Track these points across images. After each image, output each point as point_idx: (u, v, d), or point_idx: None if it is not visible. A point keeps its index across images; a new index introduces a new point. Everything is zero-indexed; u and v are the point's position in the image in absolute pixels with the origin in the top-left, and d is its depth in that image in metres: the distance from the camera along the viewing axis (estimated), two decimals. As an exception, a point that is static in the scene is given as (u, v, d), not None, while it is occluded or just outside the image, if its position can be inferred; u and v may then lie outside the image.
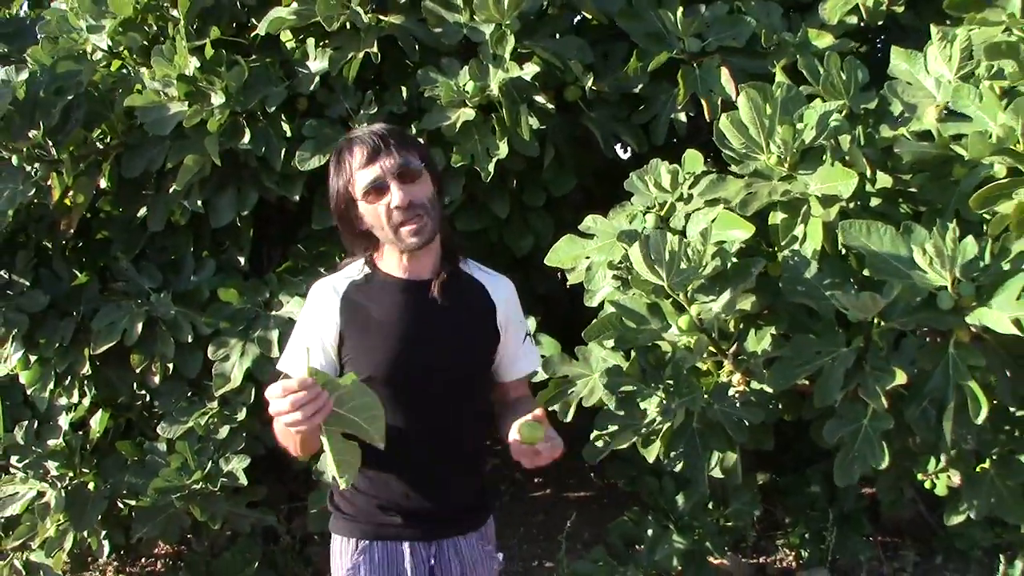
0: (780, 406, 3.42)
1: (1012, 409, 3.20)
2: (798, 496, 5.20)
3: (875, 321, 2.97)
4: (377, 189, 2.51)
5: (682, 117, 4.17)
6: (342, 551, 2.67)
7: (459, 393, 2.69)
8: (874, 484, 4.33)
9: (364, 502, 2.65)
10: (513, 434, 2.46)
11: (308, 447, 2.39)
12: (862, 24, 4.10)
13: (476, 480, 2.82)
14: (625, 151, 4.78)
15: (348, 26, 4.12)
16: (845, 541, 4.90)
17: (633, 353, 3.38)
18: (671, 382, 3.18)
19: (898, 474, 3.62)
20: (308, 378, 2.10)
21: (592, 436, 3.28)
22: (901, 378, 2.89)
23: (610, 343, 3.27)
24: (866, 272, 2.91)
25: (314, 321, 2.60)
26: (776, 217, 3.24)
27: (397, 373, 2.55)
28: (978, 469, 3.33)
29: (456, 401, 2.68)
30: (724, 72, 3.89)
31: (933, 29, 3.26)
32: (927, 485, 3.53)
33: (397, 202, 2.48)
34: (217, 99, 4.05)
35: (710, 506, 4.84)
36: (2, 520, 4.70)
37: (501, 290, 2.82)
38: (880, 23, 4.09)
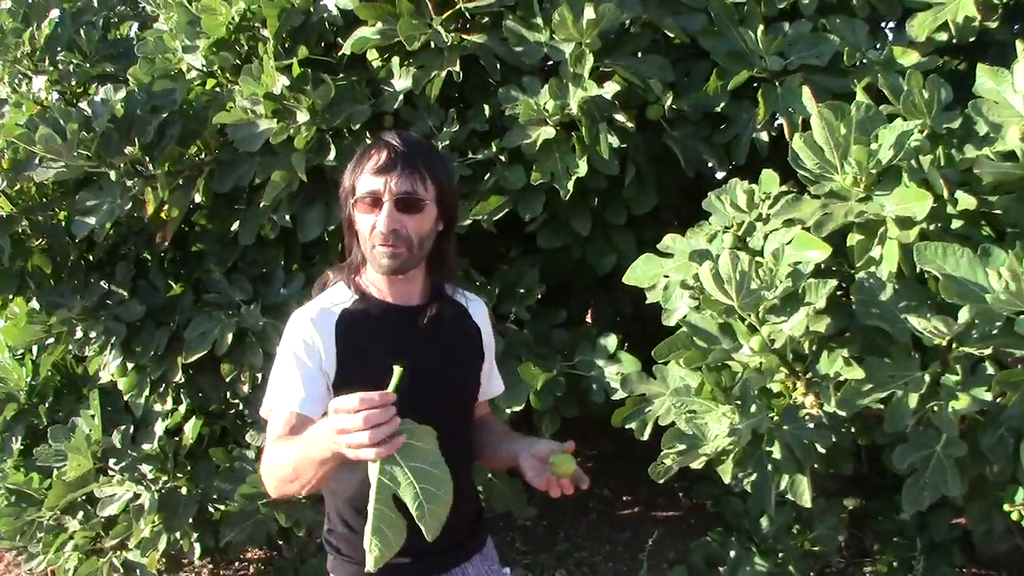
0: (853, 430, 3.37)
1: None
2: (887, 523, 5.10)
3: (951, 345, 2.91)
4: (372, 202, 2.42)
5: (764, 136, 4.14)
6: None
7: (457, 421, 2.65)
8: (963, 514, 4.23)
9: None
10: (534, 460, 2.48)
11: (316, 487, 2.24)
12: (953, 41, 4.03)
13: (475, 504, 2.80)
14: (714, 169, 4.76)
15: (431, 45, 4.16)
16: (934, 571, 4.76)
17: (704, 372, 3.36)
18: (740, 402, 3.16)
19: (988, 505, 3.54)
20: (393, 395, 1.96)
21: (660, 455, 3.27)
22: (976, 405, 2.83)
23: (683, 362, 3.26)
24: (943, 295, 2.85)
25: (310, 350, 2.44)
26: (853, 238, 3.21)
27: (400, 405, 2.27)
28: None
29: (455, 429, 2.58)
30: (806, 91, 3.85)
31: (1020, 46, 3.19)
32: (1014, 517, 3.45)
33: (382, 227, 2.40)
34: (303, 116, 4.13)
35: (795, 530, 4.78)
36: (102, 519, 4.83)
37: (480, 312, 2.79)
38: (972, 40, 4.00)
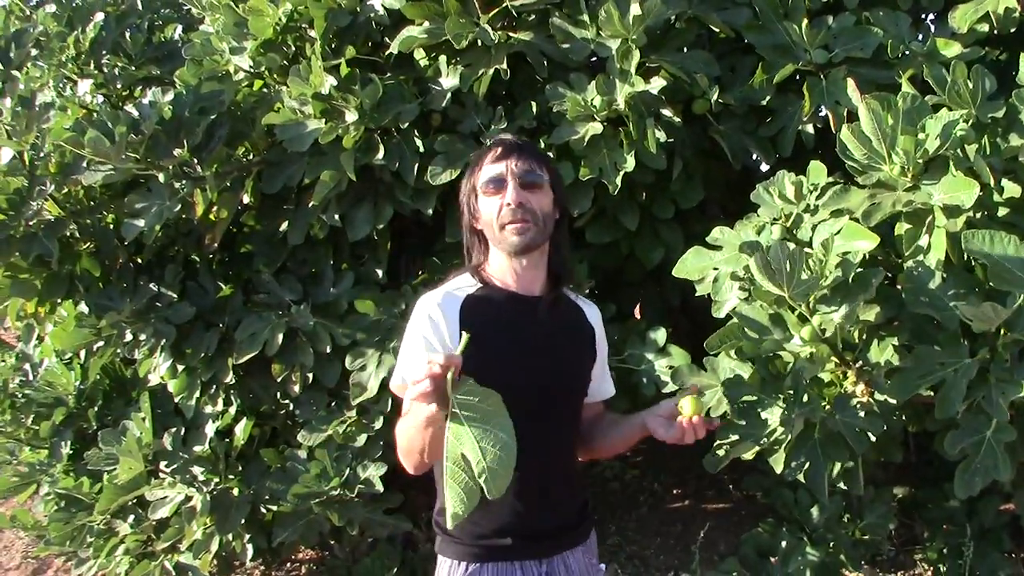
0: (904, 417, 3.39)
1: None
2: (936, 510, 5.11)
3: (1000, 332, 2.92)
4: (496, 184, 2.59)
5: (809, 129, 4.16)
6: (451, 574, 2.64)
7: (567, 409, 2.74)
8: (1012, 499, 4.24)
9: (474, 523, 2.54)
10: (658, 417, 2.63)
11: (433, 451, 2.30)
12: (995, 32, 4.04)
13: (581, 494, 2.84)
14: (761, 162, 4.77)
15: (478, 43, 4.21)
16: (984, 557, 4.78)
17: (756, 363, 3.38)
18: (792, 392, 3.17)
19: (1036, 490, 3.56)
20: (458, 356, 2.09)
21: (714, 445, 3.29)
22: (1025, 390, 2.85)
23: (735, 353, 3.28)
24: (991, 282, 2.87)
25: (435, 329, 2.54)
26: (901, 228, 3.22)
27: (515, 387, 2.38)
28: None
29: (565, 417, 2.73)
30: (850, 83, 3.87)
31: (1061, 36, 3.21)
32: (1061, 501, 3.47)
33: (510, 199, 2.55)
34: (351, 116, 4.17)
35: (845, 519, 4.79)
36: (153, 522, 4.86)
37: (595, 315, 2.88)
38: (1014, 30, 4.02)
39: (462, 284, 2.68)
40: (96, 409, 5.23)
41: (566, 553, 2.71)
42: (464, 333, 2.15)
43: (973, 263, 3.05)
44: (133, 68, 5.16)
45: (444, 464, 2.06)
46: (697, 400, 2.56)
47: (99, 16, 5.02)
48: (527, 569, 2.63)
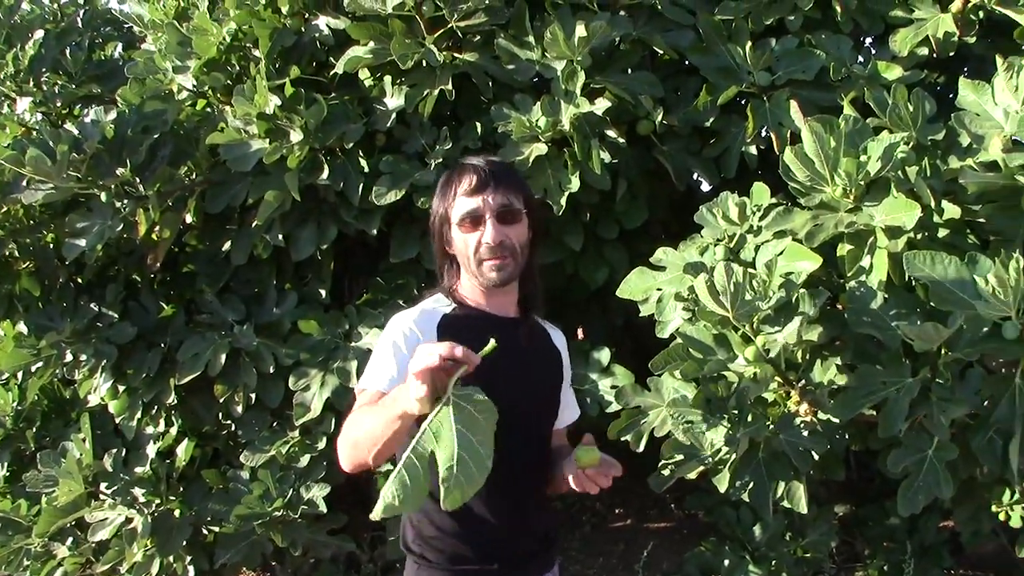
0: (847, 436, 3.42)
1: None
2: (877, 528, 5.17)
3: (941, 351, 2.96)
4: (473, 221, 2.54)
5: (753, 150, 4.20)
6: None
7: (540, 433, 2.74)
8: (951, 516, 4.29)
9: (454, 548, 2.55)
10: (570, 466, 2.47)
11: (383, 452, 2.21)
12: (935, 56, 4.11)
13: (552, 518, 2.83)
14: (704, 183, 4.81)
15: (423, 64, 4.21)
16: (924, 574, 4.84)
17: (700, 383, 3.41)
18: (736, 412, 3.20)
19: (976, 506, 3.59)
20: (477, 356, 1.98)
21: (659, 465, 3.30)
22: (966, 408, 2.89)
23: (679, 374, 3.30)
24: (932, 303, 2.91)
25: (409, 340, 2.48)
26: (843, 248, 3.26)
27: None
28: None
29: (538, 441, 2.72)
30: (793, 105, 3.91)
31: (999, 60, 3.26)
32: (1001, 517, 3.51)
33: (489, 239, 2.52)
34: (296, 136, 4.16)
35: (787, 537, 4.83)
36: (93, 545, 4.80)
37: (560, 339, 2.87)
38: (952, 54, 4.09)
39: (437, 304, 2.65)
40: (34, 430, 5.18)
41: None
42: (492, 340, 2.05)
43: (914, 283, 3.09)
44: (73, 86, 5.12)
45: (403, 454, 1.90)
46: (589, 451, 2.45)
47: (39, 33, 4.98)
48: None
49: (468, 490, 1.90)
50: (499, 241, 2.53)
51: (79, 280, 4.92)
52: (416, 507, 1.94)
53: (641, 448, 3.64)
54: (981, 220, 3.21)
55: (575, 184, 4.05)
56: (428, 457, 1.91)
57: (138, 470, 4.74)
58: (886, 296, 3.07)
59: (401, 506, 1.90)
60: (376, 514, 1.90)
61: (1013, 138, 3.18)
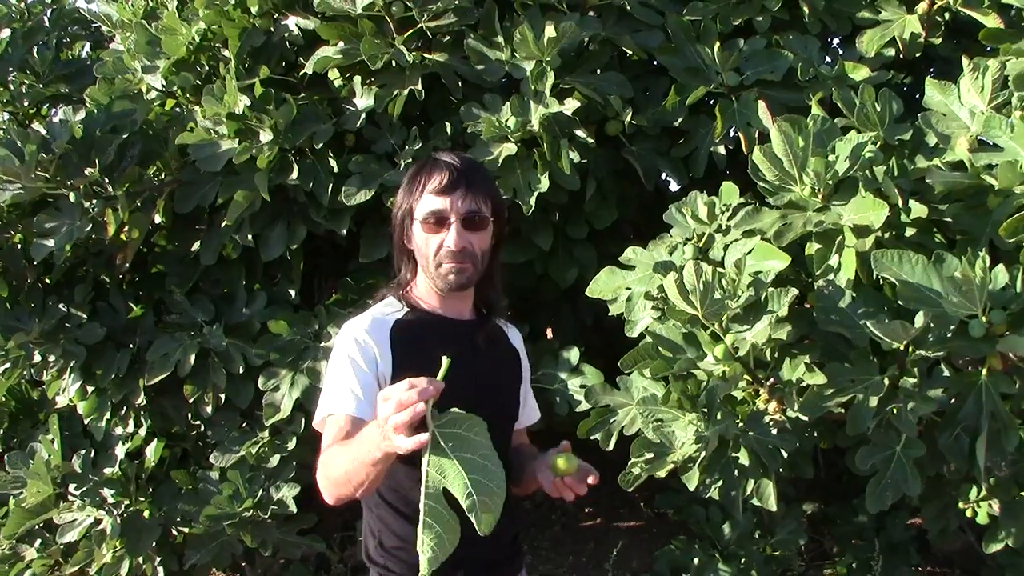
0: (816, 434, 3.44)
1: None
2: (846, 526, 5.20)
3: (908, 349, 2.98)
4: (438, 221, 2.49)
5: (721, 150, 4.23)
6: None
7: (502, 435, 2.66)
8: (919, 514, 4.32)
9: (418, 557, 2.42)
10: (544, 470, 2.50)
11: (370, 488, 2.21)
12: (901, 56, 4.14)
13: (519, 520, 2.83)
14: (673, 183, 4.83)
15: (393, 64, 4.21)
16: (892, 571, 4.87)
17: (670, 381, 3.42)
18: (705, 410, 3.21)
19: (943, 504, 3.61)
20: (441, 383, 1.94)
21: (629, 463, 3.31)
22: (933, 406, 2.91)
23: (649, 372, 3.32)
24: (900, 301, 2.93)
25: (366, 355, 2.45)
26: (811, 247, 3.28)
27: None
28: (1017, 497, 3.33)
29: (501, 442, 2.57)
30: (761, 105, 3.93)
31: (965, 60, 3.29)
32: (968, 514, 3.53)
33: (451, 244, 2.47)
34: (265, 136, 4.15)
35: (756, 535, 4.85)
36: (62, 546, 4.77)
37: (517, 338, 2.86)
38: (918, 55, 4.13)
39: (389, 309, 2.60)
40: (2, 431, 5.15)
41: None
42: (445, 358, 2.02)
43: (882, 282, 3.11)
44: (41, 86, 5.10)
45: (421, 503, 1.93)
46: (568, 459, 2.47)
47: (5, 32, 4.96)
48: None
49: (495, 507, 1.93)
50: (461, 247, 2.49)
51: (47, 280, 4.88)
52: (455, 543, 1.96)
53: (611, 447, 3.66)
54: (948, 219, 3.23)
55: (544, 184, 4.06)
56: (442, 494, 1.92)
57: (107, 471, 4.71)
58: (854, 295, 3.09)
59: (446, 552, 1.94)
60: (424, 570, 1.94)
61: (979, 138, 3.22)
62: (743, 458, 3.29)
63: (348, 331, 2.52)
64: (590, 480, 2.47)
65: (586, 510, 6.28)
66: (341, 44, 4.23)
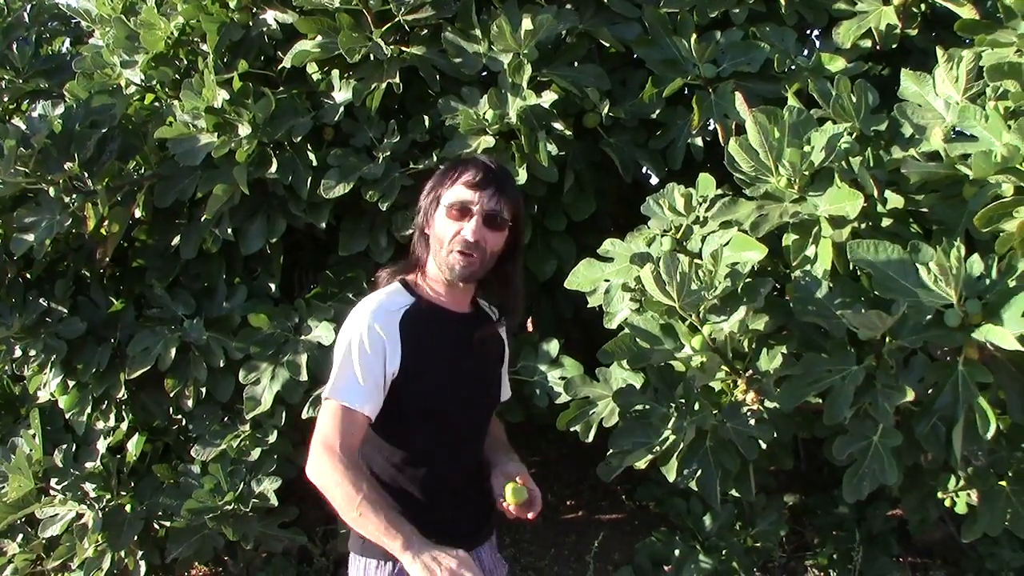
0: (794, 424, 3.45)
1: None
2: (826, 517, 5.23)
3: (885, 339, 3.00)
4: (462, 211, 2.61)
5: (698, 142, 4.22)
6: (377, 573, 2.65)
7: (486, 421, 2.87)
8: (899, 505, 4.33)
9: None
10: (498, 485, 2.74)
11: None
12: (877, 47, 4.16)
13: (489, 494, 2.86)
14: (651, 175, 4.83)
15: (371, 58, 4.22)
16: (873, 562, 4.88)
17: (647, 372, 3.44)
18: (683, 401, 3.23)
19: (923, 494, 3.63)
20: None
21: (608, 454, 3.32)
22: (910, 395, 2.92)
23: (627, 364, 3.33)
24: (876, 291, 2.95)
25: (375, 345, 2.54)
26: (788, 238, 3.29)
27: (448, 403, 2.65)
28: (995, 486, 3.34)
29: (482, 428, 2.85)
30: (738, 97, 3.93)
31: (939, 51, 3.31)
32: (947, 503, 3.55)
33: (468, 235, 2.59)
34: (244, 130, 4.15)
35: (737, 526, 4.87)
36: (43, 541, 4.77)
37: (501, 323, 2.92)
38: (895, 46, 4.14)
39: (396, 299, 2.68)
40: (-18, 427, 5.13)
41: (478, 548, 2.82)
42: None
43: (859, 272, 3.14)
44: (20, 81, 5.08)
45: None
46: (516, 492, 2.66)
47: (-16, 29, 4.95)
48: None
49: None
50: (476, 240, 2.59)
51: (28, 275, 4.88)
52: None
53: (590, 438, 3.67)
54: (923, 209, 3.26)
55: (522, 176, 4.06)
56: None
57: (88, 465, 4.70)
58: (831, 285, 3.11)
59: None
60: None
61: (954, 128, 3.23)
62: (721, 449, 3.31)
63: (359, 316, 2.61)
64: (529, 515, 2.72)
65: (567, 502, 6.28)
66: (319, 38, 4.24)
